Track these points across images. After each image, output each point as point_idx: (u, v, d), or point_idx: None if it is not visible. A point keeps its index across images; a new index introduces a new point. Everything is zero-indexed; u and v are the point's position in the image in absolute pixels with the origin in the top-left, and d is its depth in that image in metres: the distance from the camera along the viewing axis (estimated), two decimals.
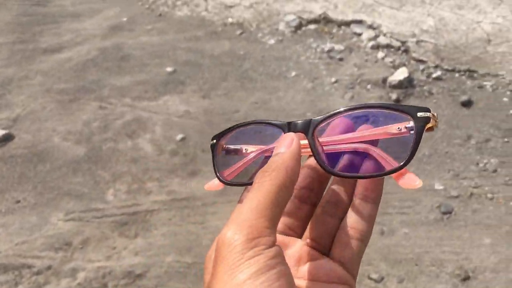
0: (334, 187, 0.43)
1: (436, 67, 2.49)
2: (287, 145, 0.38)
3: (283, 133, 0.41)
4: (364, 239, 0.41)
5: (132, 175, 2.06)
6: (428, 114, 0.38)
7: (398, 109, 0.39)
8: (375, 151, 0.41)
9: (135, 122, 2.36)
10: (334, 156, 0.42)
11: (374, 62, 2.60)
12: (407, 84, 2.38)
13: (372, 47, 2.67)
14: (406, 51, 2.61)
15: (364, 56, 2.64)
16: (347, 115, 0.41)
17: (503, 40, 2.56)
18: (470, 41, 2.59)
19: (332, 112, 0.40)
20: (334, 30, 2.84)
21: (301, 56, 2.71)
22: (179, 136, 2.24)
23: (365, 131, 0.41)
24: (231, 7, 3.10)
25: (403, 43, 2.65)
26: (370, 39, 2.71)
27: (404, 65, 2.51)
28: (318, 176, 0.43)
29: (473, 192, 1.90)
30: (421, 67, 2.51)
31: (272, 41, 2.82)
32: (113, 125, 2.35)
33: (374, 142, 0.41)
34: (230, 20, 3.01)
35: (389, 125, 0.40)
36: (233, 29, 2.96)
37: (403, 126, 0.39)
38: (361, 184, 0.41)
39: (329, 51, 2.70)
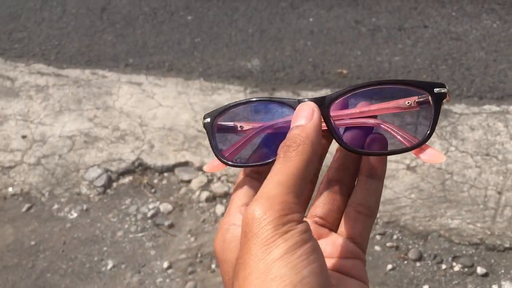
0: (335, 165, 0.43)
1: None
2: (307, 116, 0.37)
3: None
4: (372, 215, 0.42)
5: None
6: (444, 90, 0.37)
7: (414, 84, 0.38)
8: (389, 127, 0.40)
9: None
10: (349, 133, 0.41)
11: (213, 222, 2.01)
12: None
13: (208, 200, 2.09)
14: None
15: (200, 215, 2.04)
16: (361, 92, 0.39)
17: None
18: None
19: (346, 89, 0.39)
20: (156, 181, 2.20)
21: (118, 232, 2.00)
22: None
23: (374, 106, 0.40)
24: (10, 168, 2.27)
25: None
26: (202, 188, 2.13)
27: None
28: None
29: None
30: None
31: (74, 214, 2.07)
32: None
33: (388, 118, 0.40)
34: (11, 190, 2.17)
35: (399, 99, 0.39)
36: (16, 203, 2.13)
37: (413, 100, 0.39)
38: (367, 162, 0.41)
39: (154, 215, 2.05)
